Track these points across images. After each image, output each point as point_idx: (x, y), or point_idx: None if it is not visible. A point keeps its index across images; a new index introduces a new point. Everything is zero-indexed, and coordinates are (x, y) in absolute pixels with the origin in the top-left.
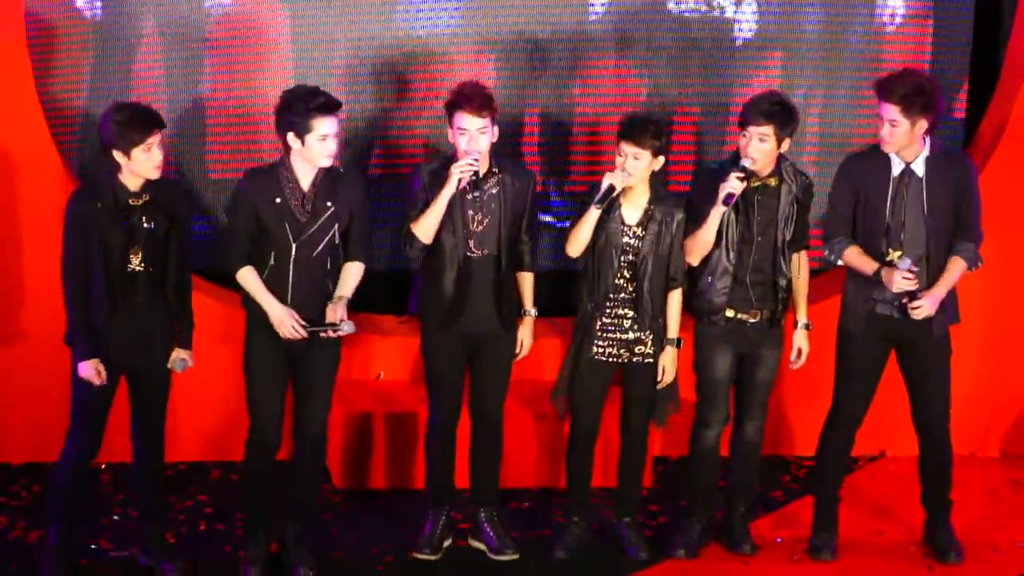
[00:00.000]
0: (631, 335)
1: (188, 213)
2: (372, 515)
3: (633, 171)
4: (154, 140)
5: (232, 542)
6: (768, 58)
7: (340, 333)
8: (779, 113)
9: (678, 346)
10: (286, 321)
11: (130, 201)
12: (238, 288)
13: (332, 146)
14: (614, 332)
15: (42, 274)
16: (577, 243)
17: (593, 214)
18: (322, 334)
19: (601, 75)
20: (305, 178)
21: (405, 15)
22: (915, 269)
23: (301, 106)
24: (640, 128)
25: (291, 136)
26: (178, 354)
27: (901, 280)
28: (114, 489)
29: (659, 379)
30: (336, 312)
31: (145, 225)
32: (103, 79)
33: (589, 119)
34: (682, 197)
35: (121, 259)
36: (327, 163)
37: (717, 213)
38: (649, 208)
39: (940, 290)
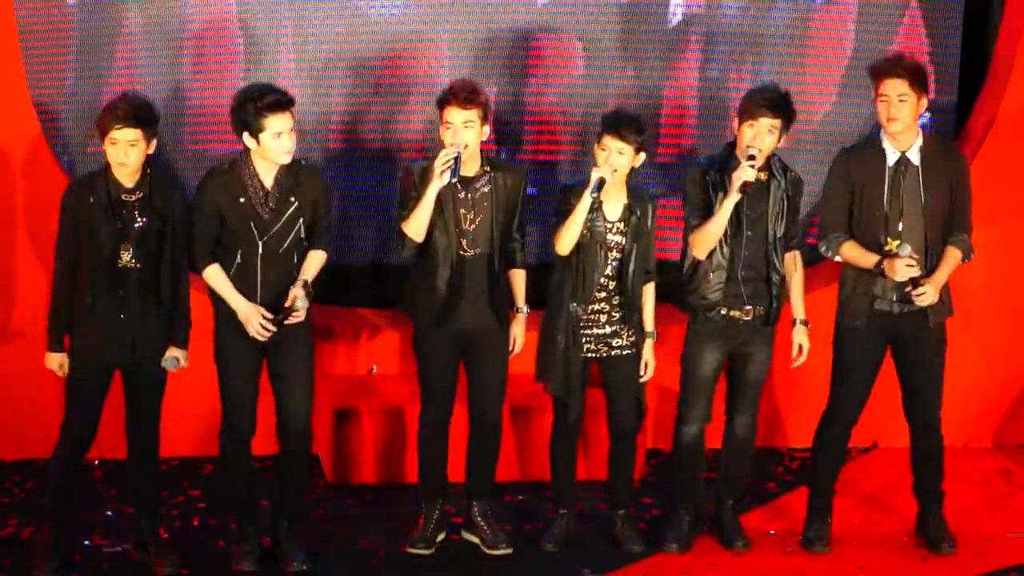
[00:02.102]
0: (607, 329)
1: (186, 210)
2: (364, 509)
3: (616, 165)
4: (121, 136)
5: (225, 537)
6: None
7: (298, 312)
8: (787, 107)
9: (656, 338)
10: (253, 320)
11: (123, 196)
12: None
13: (288, 143)
14: (590, 328)
15: (33, 271)
16: (568, 239)
17: (585, 205)
18: (285, 323)
19: (554, 62)
20: (267, 175)
21: (378, 8)
22: (916, 256)
23: (251, 106)
24: (625, 123)
25: (246, 136)
26: (171, 352)
27: (904, 268)
28: (107, 485)
29: (642, 373)
30: (291, 294)
31: (137, 222)
32: (86, 70)
33: (540, 99)
34: (647, 189)
35: (111, 254)
36: (285, 159)
37: (731, 202)
38: (629, 203)
39: (941, 276)
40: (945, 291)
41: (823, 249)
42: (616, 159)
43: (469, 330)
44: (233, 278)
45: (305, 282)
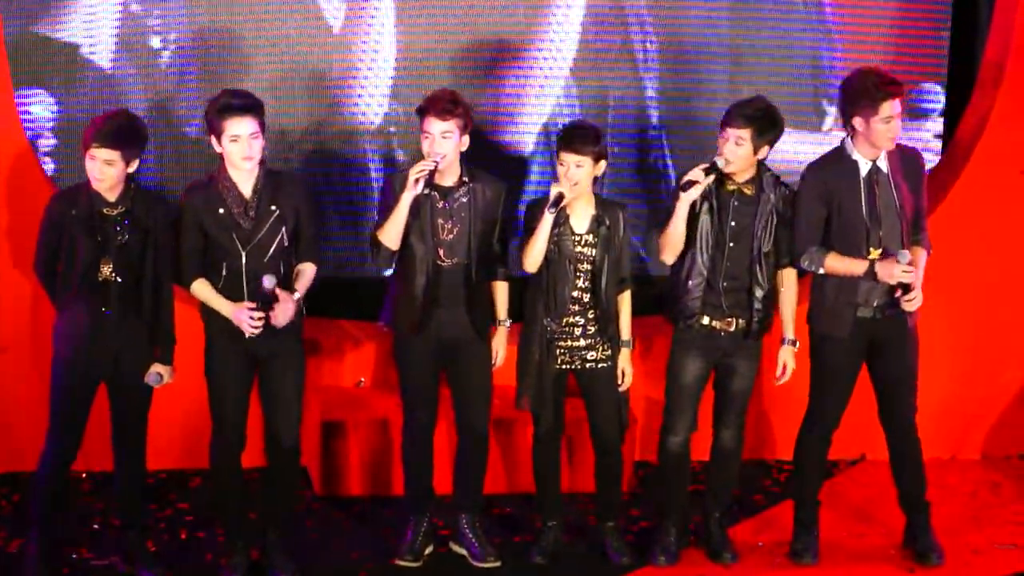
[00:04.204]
0: (582, 342)
1: (168, 226)
2: (352, 522)
3: (577, 179)
4: (100, 154)
5: (213, 550)
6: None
7: (280, 302)
8: (760, 119)
9: (632, 347)
10: (243, 318)
11: (104, 210)
12: None
13: (245, 149)
14: (564, 340)
15: (17, 284)
16: (533, 256)
17: (547, 222)
18: (271, 317)
19: (526, 72)
20: (245, 184)
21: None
22: (912, 266)
23: (212, 108)
24: (579, 136)
25: (214, 141)
26: (155, 368)
27: (901, 273)
28: (95, 498)
29: (620, 382)
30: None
31: (117, 236)
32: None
33: (512, 108)
34: (616, 201)
35: (92, 268)
36: (244, 166)
37: (681, 204)
38: (597, 214)
39: (920, 279)
40: None
41: (806, 264)
42: (575, 172)
43: (447, 338)
44: (221, 291)
45: (291, 293)
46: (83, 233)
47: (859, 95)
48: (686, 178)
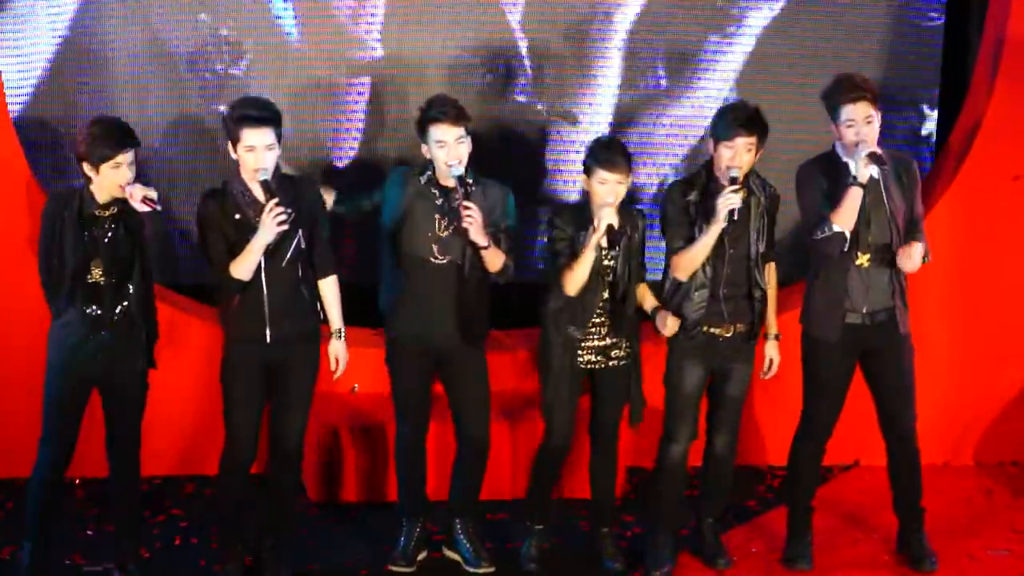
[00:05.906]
0: (607, 341)
1: (157, 227)
2: (347, 527)
3: (620, 196)
4: (124, 159)
5: (207, 556)
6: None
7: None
8: (760, 122)
9: (653, 315)
10: (268, 220)
11: (96, 212)
12: (216, 304)
13: (258, 159)
14: (590, 340)
15: (11, 288)
16: (578, 281)
17: (592, 251)
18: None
19: (525, 82)
20: (259, 188)
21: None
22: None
23: (231, 115)
24: (619, 154)
25: (229, 146)
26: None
27: (869, 141)
28: (89, 504)
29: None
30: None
31: (107, 238)
32: (76, 91)
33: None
34: (633, 207)
35: (82, 269)
36: (259, 176)
37: (717, 228)
38: (621, 224)
39: (918, 256)
40: (902, 298)
41: (825, 231)
42: (618, 190)
43: (440, 342)
44: (241, 297)
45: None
46: (73, 234)
47: (826, 97)
48: (728, 207)
